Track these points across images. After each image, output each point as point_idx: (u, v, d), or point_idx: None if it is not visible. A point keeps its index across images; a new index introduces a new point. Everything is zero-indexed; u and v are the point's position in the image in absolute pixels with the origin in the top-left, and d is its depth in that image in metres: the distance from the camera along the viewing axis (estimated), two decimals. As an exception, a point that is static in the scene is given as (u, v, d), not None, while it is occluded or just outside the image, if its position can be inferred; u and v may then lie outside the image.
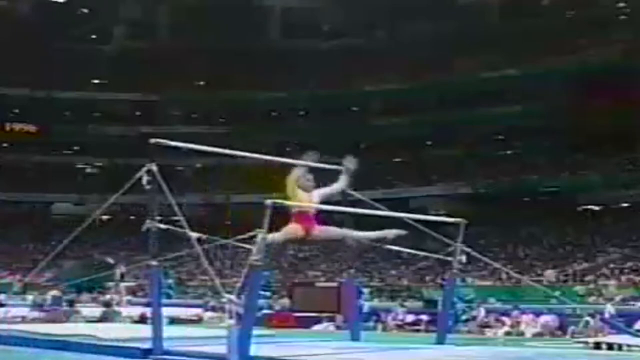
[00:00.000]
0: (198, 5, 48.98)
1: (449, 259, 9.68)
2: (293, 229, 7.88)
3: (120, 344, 9.09)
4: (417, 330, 18.02)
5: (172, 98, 49.45)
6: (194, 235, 8.09)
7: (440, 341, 9.60)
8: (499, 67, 42.16)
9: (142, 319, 15.64)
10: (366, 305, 20.02)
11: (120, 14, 52.24)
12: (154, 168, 8.35)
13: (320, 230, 8.10)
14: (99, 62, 49.36)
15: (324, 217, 8.19)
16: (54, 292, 20.32)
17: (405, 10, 44.69)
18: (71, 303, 20.43)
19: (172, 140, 9.03)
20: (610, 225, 38.39)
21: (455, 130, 43.64)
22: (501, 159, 44.42)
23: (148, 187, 8.37)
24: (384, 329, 18.24)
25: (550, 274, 32.72)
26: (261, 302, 18.17)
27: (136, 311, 17.95)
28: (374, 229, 8.54)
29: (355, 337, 10.03)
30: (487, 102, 42.69)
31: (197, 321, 18.66)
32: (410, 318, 18.95)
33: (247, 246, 7.66)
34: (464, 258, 9.63)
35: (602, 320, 17.47)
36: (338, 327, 17.12)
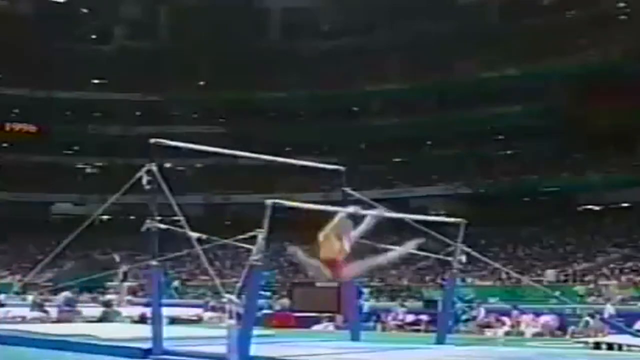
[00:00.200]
0: (198, 6, 49.00)
1: (449, 259, 9.71)
2: (321, 270, 7.68)
3: (121, 343, 9.11)
4: (417, 330, 18.02)
5: (172, 98, 49.42)
6: (194, 235, 8.11)
7: (440, 341, 9.62)
8: (499, 67, 42.14)
9: (142, 319, 15.64)
10: (366, 305, 20.07)
11: (120, 14, 52.28)
12: (154, 168, 8.37)
13: (348, 272, 7.94)
14: (99, 62, 49.35)
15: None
16: (66, 293, 20.37)
17: (405, 10, 44.69)
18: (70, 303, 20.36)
19: (172, 140, 9.05)
20: (610, 225, 38.36)
21: (455, 130, 43.62)
22: (501, 159, 44.41)
23: (148, 187, 8.38)
24: (384, 329, 18.24)
25: (550, 273, 32.71)
26: (261, 302, 18.20)
27: (136, 311, 17.94)
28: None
29: (355, 337, 10.05)
30: (487, 102, 42.66)
31: (197, 321, 18.65)
32: (410, 318, 18.94)
33: (247, 246, 7.68)
34: (464, 258, 9.67)
35: (602, 320, 17.48)
36: (338, 327, 17.12)
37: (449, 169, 43.36)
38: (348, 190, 10.30)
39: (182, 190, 35.68)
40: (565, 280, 32.59)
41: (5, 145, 49.32)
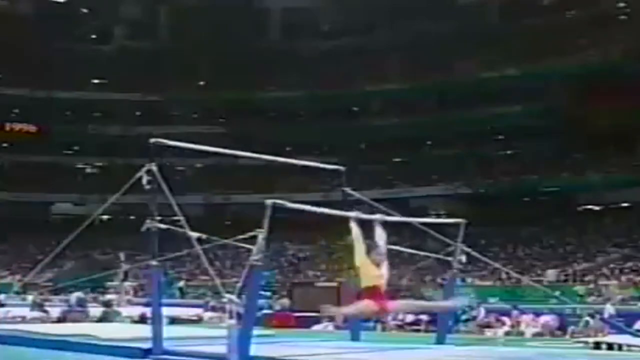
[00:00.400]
0: (198, 6, 49.01)
1: (449, 258, 9.71)
2: (367, 306, 7.45)
3: (121, 343, 9.11)
4: (417, 330, 18.00)
5: (172, 98, 49.42)
6: (194, 235, 8.10)
7: (440, 341, 9.61)
8: (499, 67, 42.14)
9: (142, 319, 15.64)
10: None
11: (120, 14, 52.30)
12: (154, 168, 8.37)
13: (395, 307, 7.81)
14: (99, 62, 49.36)
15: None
16: (78, 294, 20.45)
17: (405, 10, 44.69)
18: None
19: (172, 140, 9.05)
20: (610, 225, 38.35)
21: (455, 130, 43.62)
22: (501, 159, 44.41)
23: (148, 187, 8.38)
24: (384, 329, 18.21)
25: (551, 273, 32.71)
26: (261, 302, 18.21)
27: (136, 311, 17.94)
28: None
29: (355, 337, 10.05)
30: (487, 102, 42.66)
31: (198, 321, 18.66)
32: (410, 318, 18.90)
33: (247, 246, 7.68)
34: (464, 258, 9.66)
35: (602, 320, 17.48)
36: (338, 327, 17.11)
37: (449, 169, 43.36)
38: (348, 190, 10.30)
39: (182, 190, 35.71)
40: (565, 280, 32.58)
41: (5, 145, 49.33)
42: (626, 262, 33.24)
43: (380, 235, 7.88)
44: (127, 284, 26.32)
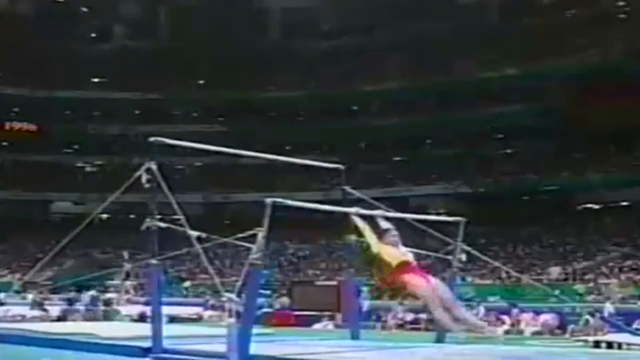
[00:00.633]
0: (198, 5, 49.00)
1: (449, 257, 9.70)
2: (417, 283, 7.23)
3: (121, 342, 9.11)
4: (417, 329, 17.99)
5: (172, 97, 49.40)
6: (194, 233, 8.10)
7: (440, 340, 9.61)
8: (499, 67, 42.13)
9: (141, 318, 15.66)
10: (366, 304, 20.07)
11: (120, 13, 52.31)
12: (154, 167, 8.37)
13: (437, 283, 7.42)
14: (98, 61, 49.33)
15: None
16: (92, 292, 20.52)
17: (405, 10, 44.66)
18: (70, 302, 20.42)
19: (172, 139, 9.05)
20: (610, 225, 38.35)
21: (455, 130, 43.62)
22: (501, 158, 44.41)
23: (148, 185, 8.38)
24: (384, 328, 18.23)
25: (554, 271, 32.73)
26: (261, 300, 18.22)
27: (136, 310, 17.96)
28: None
29: (354, 336, 10.05)
30: (487, 102, 42.66)
31: (197, 320, 18.67)
32: (410, 317, 18.91)
33: (247, 245, 7.68)
34: (463, 257, 9.65)
35: (602, 318, 17.50)
36: (338, 326, 17.13)
37: (448, 168, 43.35)
38: (348, 189, 10.30)
39: (181, 189, 35.72)
40: (565, 279, 32.59)
41: (5, 144, 49.33)
42: (626, 261, 33.26)
43: (386, 224, 7.87)
44: (127, 283, 26.33)
